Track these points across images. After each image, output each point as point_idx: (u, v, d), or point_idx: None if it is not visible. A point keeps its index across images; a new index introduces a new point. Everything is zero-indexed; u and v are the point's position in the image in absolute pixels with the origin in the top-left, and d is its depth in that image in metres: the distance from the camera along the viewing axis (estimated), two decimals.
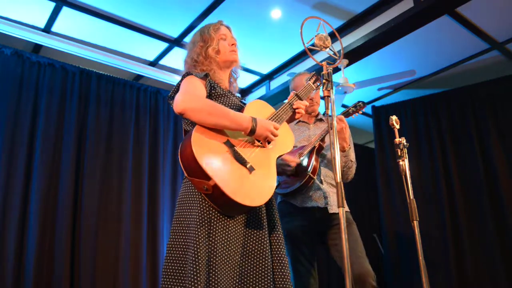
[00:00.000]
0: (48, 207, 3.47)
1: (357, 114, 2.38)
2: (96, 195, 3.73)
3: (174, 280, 1.44)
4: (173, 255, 1.49)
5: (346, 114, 2.38)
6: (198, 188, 1.44)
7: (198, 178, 1.41)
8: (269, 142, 1.61)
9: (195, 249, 1.39)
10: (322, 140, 2.25)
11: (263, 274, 1.50)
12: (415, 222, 1.93)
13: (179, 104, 1.49)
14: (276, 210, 1.70)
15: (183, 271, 1.43)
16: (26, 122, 3.54)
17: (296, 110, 1.74)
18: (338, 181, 1.42)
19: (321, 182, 2.24)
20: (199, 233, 1.41)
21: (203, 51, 1.75)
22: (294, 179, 2.21)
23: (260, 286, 1.48)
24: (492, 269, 4.07)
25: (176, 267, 1.46)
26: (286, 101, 1.80)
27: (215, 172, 1.40)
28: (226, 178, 1.41)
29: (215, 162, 1.43)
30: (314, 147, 2.23)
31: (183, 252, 1.46)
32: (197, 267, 1.37)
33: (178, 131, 4.54)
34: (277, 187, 2.28)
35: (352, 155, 2.30)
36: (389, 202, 4.89)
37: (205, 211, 1.45)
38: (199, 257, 1.39)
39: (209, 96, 1.64)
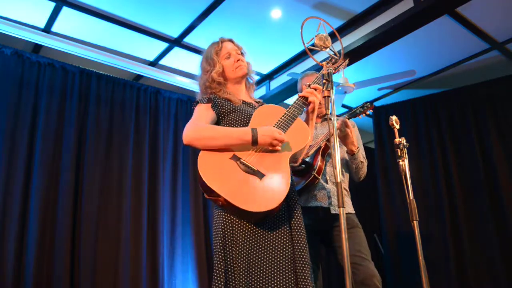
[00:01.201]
0: (48, 207, 3.47)
1: (364, 114, 2.37)
2: (96, 195, 3.73)
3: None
4: (214, 263, 1.59)
5: (354, 114, 2.37)
6: (218, 205, 1.58)
7: (212, 197, 1.53)
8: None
9: (219, 254, 1.53)
10: (328, 140, 2.23)
11: (283, 274, 1.56)
12: (415, 222, 1.93)
13: (184, 137, 1.66)
14: (299, 207, 1.71)
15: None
16: (26, 122, 3.54)
17: (309, 100, 1.74)
18: (338, 181, 1.42)
19: (326, 182, 2.24)
20: (221, 241, 1.55)
21: (209, 77, 1.86)
22: (299, 178, 2.22)
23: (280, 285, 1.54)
24: (492, 269, 4.06)
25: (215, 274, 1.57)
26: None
27: (223, 188, 1.50)
28: (234, 191, 1.50)
29: (221, 179, 1.53)
30: (320, 147, 2.23)
31: (214, 263, 1.57)
32: (220, 272, 1.50)
33: (178, 131, 4.54)
34: None
35: (361, 156, 2.29)
36: (389, 202, 4.89)
37: (227, 220, 1.58)
38: (221, 262, 1.52)
39: (218, 115, 1.77)
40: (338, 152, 1.47)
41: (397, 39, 3.59)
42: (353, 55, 3.77)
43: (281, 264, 1.57)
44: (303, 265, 1.57)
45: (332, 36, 1.72)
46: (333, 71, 1.72)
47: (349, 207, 2.28)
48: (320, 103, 2.31)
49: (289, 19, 3.66)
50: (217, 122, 1.79)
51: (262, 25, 3.75)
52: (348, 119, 2.31)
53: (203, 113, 1.76)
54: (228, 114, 1.77)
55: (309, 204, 2.21)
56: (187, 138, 1.65)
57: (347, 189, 2.38)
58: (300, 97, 1.75)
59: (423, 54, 4.22)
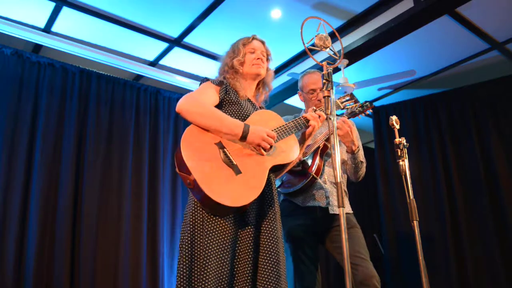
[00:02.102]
0: (48, 207, 3.47)
1: (363, 114, 2.36)
2: (96, 195, 3.73)
3: (182, 280, 1.49)
4: (180, 255, 1.56)
5: (353, 114, 2.35)
6: (185, 183, 1.53)
7: (183, 173, 1.48)
8: (265, 150, 1.62)
9: (187, 248, 1.50)
10: (327, 140, 2.22)
11: (242, 275, 1.56)
12: (415, 222, 1.93)
13: (178, 104, 1.64)
14: (276, 211, 1.69)
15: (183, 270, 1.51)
16: (26, 122, 3.54)
17: (310, 123, 1.76)
18: (338, 181, 1.41)
19: (325, 182, 2.24)
20: (189, 233, 1.52)
21: (229, 61, 1.87)
22: (297, 178, 2.21)
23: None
24: (492, 269, 4.07)
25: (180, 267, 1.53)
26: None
27: (196, 168, 1.47)
28: (205, 175, 1.47)
29: (199, 159, 1.50)
30: (319, 147, 2.22)
31: (182, 252, 1.54)
32: (184, 266, 1.47)
33: (178, 131, 4.54)
34: (280, 186, 2.29)
35: (361, 156, 2.28)
36: (389, 202, 4.89)
37: (198, 212, 1.54)
38: (186, 255, 1.50)
39: (221, 101, 1.74)
40: (338, 152, 1.47)
41: (397, 39, 3.59)
42: (353, 55, 3.77)
43: (242, 265, 1.57)
44: (265, 271, 1.54)
45: (332, 36, 1.72)
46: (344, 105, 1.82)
47: (348, 207, 2.28)
48: (319, 100, 2.34)
49: (289, 19, 3.66)
50: (217, 107, 1.77)
51: (262, 25, 3.75)
52: (348, 118, 2.30)
53: (207, 91, 1.74)
54: (229, 104, 1.75)
55: (307, 204, 2.21)
56: (180, 106, 1.63)
57: (346, 189, 2.37)
58: (303, 117, 1.77)
59: (423, 54, 4.22)
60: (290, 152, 1.70)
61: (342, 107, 1.92)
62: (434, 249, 4.38)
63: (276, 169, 1.70)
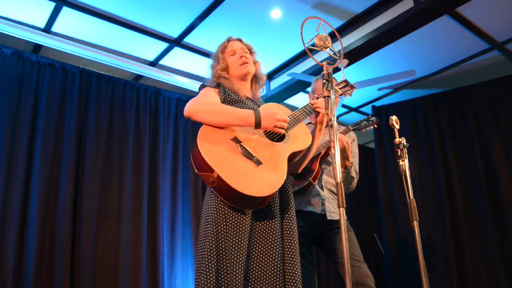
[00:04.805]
0: (48, 207, 3.47)
1: (367, 129, 2.37)
2: (96, 195, 3.73)
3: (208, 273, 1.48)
4: (198, 255, 1.55)
5: (358, 127, 2.36)
6: (207, 182, 1.53)
7: (204, 172, 1.50)
8: (283, 138, 1.63)
9: (209, 246, 1.47)
10: (329, 147, 2.22)
11: (272, 268, 1.54)
12: (415, 222, 1.93)
13: (186, 109, 1.66)
14: (292, 203, 1.70)
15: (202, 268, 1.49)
16: (26, 122, 3.54)
17: (316, 109, 1.77)
18: (338, 181, 1.41)
19: (321, 188, 2.24)
20: (213, 231, 1.50)
21: (215, 72, 1.89)
22: (294, 182, 2.21)
23: (268, 280, 1.53)
24: (492, 269, 4.07)
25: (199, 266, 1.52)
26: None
27: (218, 164, 1.48)
28: (229, 170, 1.48)
29: (219, 155, 1.51)
30: (320, 153, 2.22)
31: (203, 251, 1.52)
32: (210, 264, 1.45)
33: (178, 131, 4.53)
34: None
35: (353, 171, 2.28)
36: (389, 202, 4.89)
37: (220, 209, 1.53)
38: (212, 254, 1.47)
39: (223, 102, 1.75)
40: (338, 152, 1.47)
41: (397, 39, 3.59)
42: (353, 55, 3.77)
43: (271, 258, 1.56)
44: (292, 261, 1.57)
45: (332, 36, 1.72)
46: (341, 93, 1.88)
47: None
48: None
49: (289, 19, 3.66)
50: None
51: (262, 25, 3.75)
52: (352, 130, 2.31)
53: (209, 93, 1.76)
54: (232, 103, 1.77)
55: (302, 208, 2.22)
56: (188, 110, 1.64)
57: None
58: (310, 104, 1.79)
59: (423, 54, 4.22)
60: (304, 138, 1.74)
61: (340, 92, 1.95)
62: (434, 249, 4.38)
63: (292, 158, 1.71)
